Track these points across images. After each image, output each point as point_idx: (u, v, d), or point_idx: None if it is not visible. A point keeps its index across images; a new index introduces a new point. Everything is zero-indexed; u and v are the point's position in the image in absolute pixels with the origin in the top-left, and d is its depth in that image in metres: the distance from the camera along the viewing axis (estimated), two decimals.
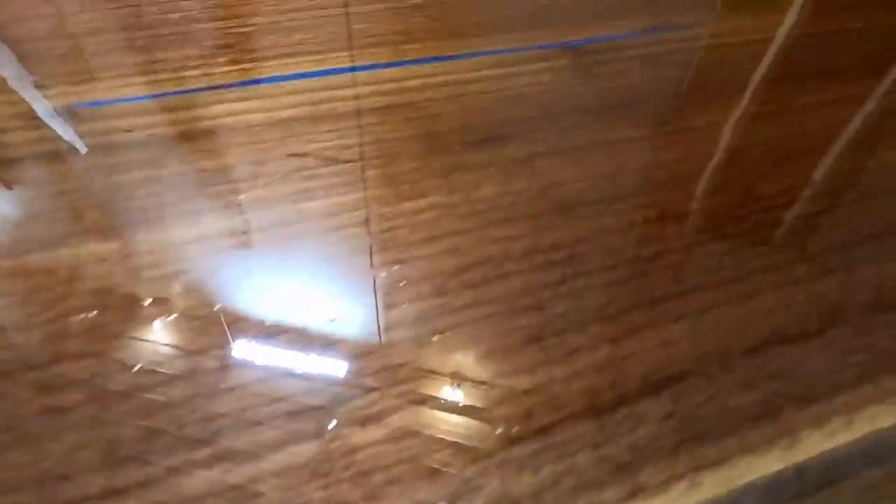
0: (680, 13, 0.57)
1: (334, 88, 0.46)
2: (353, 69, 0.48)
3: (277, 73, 0.48)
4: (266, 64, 0.49)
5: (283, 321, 0.30)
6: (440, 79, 0.47)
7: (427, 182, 0.38)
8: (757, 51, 0.52)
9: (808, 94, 0.47)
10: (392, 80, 0.47)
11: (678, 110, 0.45)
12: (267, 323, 0.30)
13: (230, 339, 0.29)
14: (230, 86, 0.46)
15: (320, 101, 0.45)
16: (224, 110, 0.44)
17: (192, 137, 0.41)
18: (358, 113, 0.43)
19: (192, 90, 0.45)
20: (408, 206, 0.37)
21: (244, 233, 0.35)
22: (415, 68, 0.48)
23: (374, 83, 0.47)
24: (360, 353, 0.29)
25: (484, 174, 0.39)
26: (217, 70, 0.48)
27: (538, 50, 0.51)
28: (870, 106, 0.46)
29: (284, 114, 0.44)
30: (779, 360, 0.29)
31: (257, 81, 0.47)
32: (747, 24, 0.56)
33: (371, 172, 0.39)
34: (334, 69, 0.48)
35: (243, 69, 0.48)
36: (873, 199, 0.38)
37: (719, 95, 0.47)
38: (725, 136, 0.43)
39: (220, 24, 0.53)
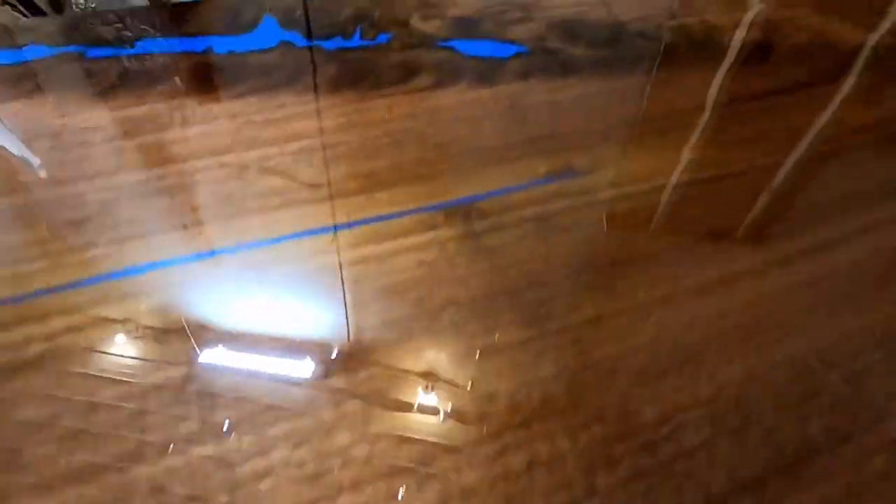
0: (582, 150, 0.54)
1: (185, 278, 0.42)
2: (202, 255, 0.44)
3: (132, 263, 0.43)
4: (121, 248, 0.44)
5: None
6: (311, 265, 0.44)
7: (271, 431, 0.34)
8: (649, 205, 0.50)
9: (698, 271, 0.44)
10: (253, 266, 0.43)
11: (565, 298, 0.42)
12: None
13: None
14: (74, 286, 0.42)
15: (166, 310, 0.41)
16: (62, 325, 0.39)
17: (11, 373, 0.36)
18: (200, 332, 0.39)
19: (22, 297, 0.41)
20: (241, 472, 0.33)
21: None
22: (282, 248, 0.45)
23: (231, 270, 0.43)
24: None
25: (339, 413, 0.35)
26: (63, 261, 0.43)
27: (426, 214, 0.48)
28: (765, 283, 0.44)
29: (123, 328, 0.39)
30: None
31: (104, 278, 0.42)
32: (647, 166, 0.53)
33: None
34: (180, 258, 0.43)
35: (90, 259, 0.43)
36: (759, 424, 0.36)
37: (606, 275, 0.44)
38: (609, 336, 0.40)
39: (67, 189, 0.48)
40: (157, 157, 0.52)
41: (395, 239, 0.46)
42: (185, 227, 0.46)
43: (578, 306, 0.42)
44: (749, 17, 0.77)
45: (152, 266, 0.43)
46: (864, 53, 0.70)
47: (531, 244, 0.46)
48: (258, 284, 0.42)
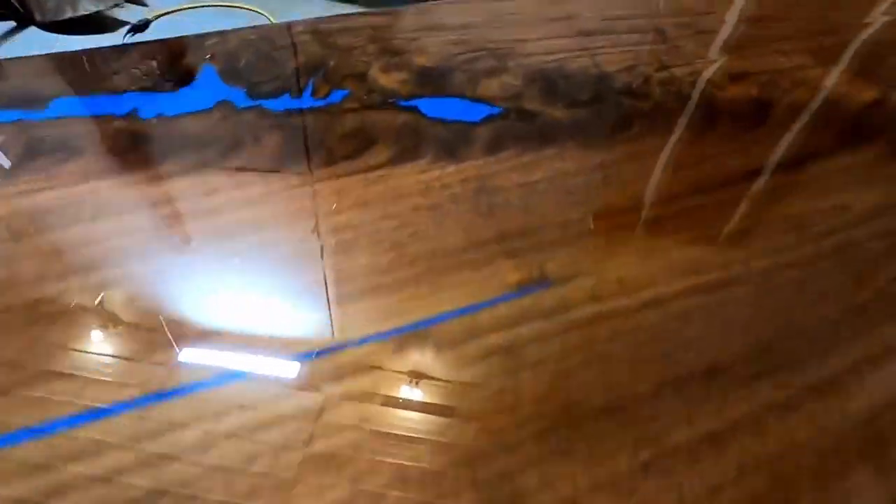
0: (558, 250, 0.47)
1: (74, 449, 0.35)
2: (101, 412, 0.36)
3: (13, 427, 0.36)
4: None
5: None
6: (224, 427, 0.36)
7: None
8: (635, 327, 0.43)
9: (689, 421, 0.38)
10: (151, 425, 0.36)
11: (535, 468, 0.35)
12: None
13: None
14: None
15: (64, 489, 0.33)
16: None
17: None
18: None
19: None
20: None
21: None
22: (190, 401, 0.37)
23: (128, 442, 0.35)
24: None
25: None
26: None
27: (373, 345, 0.41)
28: (763, 440, 0.38)
29: None
30: None
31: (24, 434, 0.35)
32: (632, 272, 0.47)
33: None
34: (72, 418, 0.36)
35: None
36: None
37: (584, 433, 0.37)
38: None
39: None
40: (59, 264, 0.44)
41: (333, 382, 0.38)
42: (84, 373, 0.38)
43: (549, 481, 0.35)
44: (741, 65, 0.71)
45: (39, 432, 0.35)
46: (876, 115, 0.63)
47: (494, 389, 0.39)
48: (156, 451, 0.35)
